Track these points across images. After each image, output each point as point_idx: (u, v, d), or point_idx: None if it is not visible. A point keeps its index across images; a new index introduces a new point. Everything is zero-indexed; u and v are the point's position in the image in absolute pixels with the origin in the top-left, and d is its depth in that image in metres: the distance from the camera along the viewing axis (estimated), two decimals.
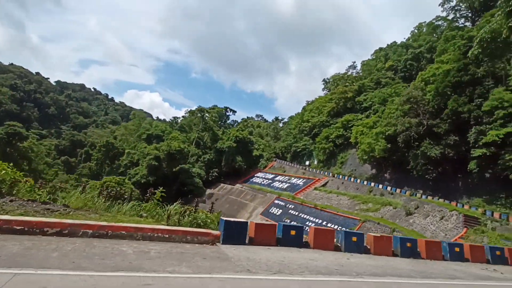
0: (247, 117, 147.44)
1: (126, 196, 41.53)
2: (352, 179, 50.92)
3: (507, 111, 34.91)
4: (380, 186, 44.11)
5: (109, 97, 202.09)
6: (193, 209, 11.05)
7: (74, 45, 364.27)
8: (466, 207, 34.21)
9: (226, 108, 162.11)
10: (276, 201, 50.92)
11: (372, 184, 46.47)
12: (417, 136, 42.28)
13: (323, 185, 52.21)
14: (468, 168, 37.84)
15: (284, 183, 59.62)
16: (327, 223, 39.33)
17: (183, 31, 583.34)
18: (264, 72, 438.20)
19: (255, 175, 71.44)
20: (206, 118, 74.19)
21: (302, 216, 43.87)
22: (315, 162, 74.18)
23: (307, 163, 77.43)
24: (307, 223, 42.15)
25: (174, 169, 65.16)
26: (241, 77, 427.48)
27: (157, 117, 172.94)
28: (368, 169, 57.87)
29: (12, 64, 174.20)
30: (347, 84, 73.01)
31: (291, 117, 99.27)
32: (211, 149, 72.27)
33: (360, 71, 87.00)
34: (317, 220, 40.89)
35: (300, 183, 56.32)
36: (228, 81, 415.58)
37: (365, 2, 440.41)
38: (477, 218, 28.04)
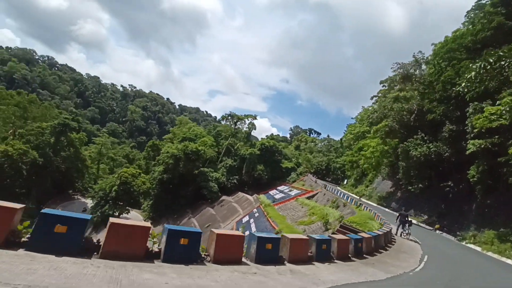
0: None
1: (136, 188, 44.98)
2: (336, 190, 38.83)
3: None
4: (345, 197, 31.48)
5: (217, 119, 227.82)
6: None
7: (204, 78, 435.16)
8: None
9: (310, 129, 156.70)
10: (254, 210, 44.13)
11: (342, 195, 33.83)
12: (405, 131, 28.39)
13: (309, 197, 41.72)
14: (468, 176, 22.56)
15: (282, 194, 51.21)
16: (255, 232, 31.10)
17: (290, 60, 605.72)
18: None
19: (278, 188, 64.17)
20: (238, 125, 72.83)
21: (251, 224, 36.55)
22: (353, 180, 61.07)
23: (345, 181, 64.68)
24: (245, 232, 34.50)
25: (195, 171, 65.97)
26: (347, 104, 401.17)
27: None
28: (388, 187, 43.21)
29: (150, 91, 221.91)
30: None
31: None
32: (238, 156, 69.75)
33: None
34: (254, 229, 33.08)
35: (292, 194, 47.02)
36: (333, 108, 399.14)
37: None
38: None
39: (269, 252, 7.73)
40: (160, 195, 65.36)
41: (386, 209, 36.15)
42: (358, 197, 45.18)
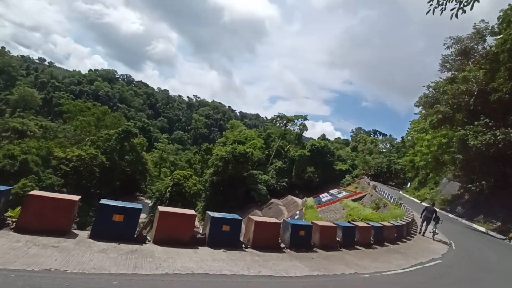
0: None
1: (187, 189, 48.85)
2: (384, 192, 34.04)
3: None
4: (390, 198, 26.96)
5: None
6: None
7: (264, 85, 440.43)
8: None
9: (375, 131, 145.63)
10: (297, 212, 41.88)
11: (389, 196, 29.16)
12: (464, 117, 23.02)
13: (357, 199, 37.64)
14: None
15: (330, 197, 47.52)
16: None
17: (353, 60, 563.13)
18: None
19: (330, 191, 60.17)
20: (290, 126, 70.63)
21: None
22: (416, 183, 54.10)
23: (409, 184, 57.73)
24: None
25: (244, 174, 66.11)
26: None
27: None
28: (455, 189, 36.61)
29: (213, 100, 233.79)
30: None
31: None
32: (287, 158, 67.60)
33: None
34: None
35: (339, 196, 43.12)
36: (403, 108, 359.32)
37: None
38: None
39: (118, 227, 6.01)
40: (211, 197, 66.85)
41: (449, 215, 30.35)
42: (419, 201, 39.60)
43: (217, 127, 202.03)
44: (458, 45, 25.49)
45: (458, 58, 25.68)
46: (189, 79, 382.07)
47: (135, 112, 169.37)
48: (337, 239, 9.41)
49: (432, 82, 26.75)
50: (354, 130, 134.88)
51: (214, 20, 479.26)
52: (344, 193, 45.29)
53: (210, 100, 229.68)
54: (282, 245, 8.07)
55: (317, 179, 62.02)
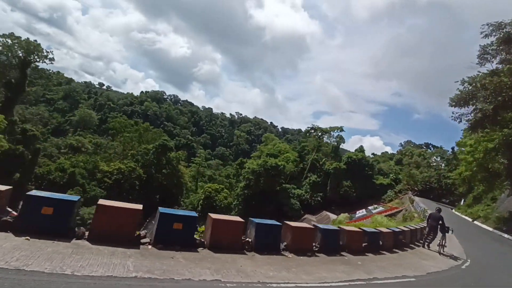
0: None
1: (217, 202, 50.45)
2: (419, 206, 29.63)
3: None
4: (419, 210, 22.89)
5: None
6: None
7: (307, 100, 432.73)
8: None
9: (427, 144, 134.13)
10: None
11: (420, 209, 24.85)
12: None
13: (391, 214, 33.58)
14: None
15: (364, 212, 43.44)
16: None
17: (401, 70, 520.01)
18: None
19: (369, 207, 55.38)
20: (326, 139, 67.20)
21: None
22: (471, 199, 47.43)
23: (462, 201, 51.02)
24: None
25: (277, 188, 64.24)
26: None
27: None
28: None
29: (255, 117, 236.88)
30: None
31: None
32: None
33: None
34: None
35: (373, 212, 39.07)
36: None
37: None
38: None
39: None
40: (243, 211, 65.61)
41: (505, 235, 25.24)
42: (471, 220, 34.43)
43: (258, 142, 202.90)
44: (499, 32, 21.34)
45: (501, 47, 21.52)
46: (233, 97, 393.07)
47: (180, 130, 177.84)
48: (248, 239, 7.41)
49: (468, 77, 22.74)
50: (402, 143, 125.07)
51: (256, 40, 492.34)
52: (380, 209, 41.14)
53: (252, 117, 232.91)
54: (146, 239, 6.36)
55: (355, 194, 57.47)
